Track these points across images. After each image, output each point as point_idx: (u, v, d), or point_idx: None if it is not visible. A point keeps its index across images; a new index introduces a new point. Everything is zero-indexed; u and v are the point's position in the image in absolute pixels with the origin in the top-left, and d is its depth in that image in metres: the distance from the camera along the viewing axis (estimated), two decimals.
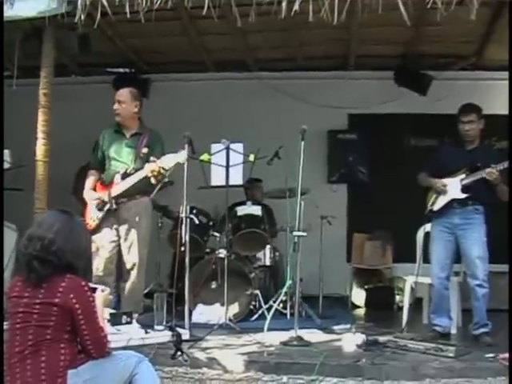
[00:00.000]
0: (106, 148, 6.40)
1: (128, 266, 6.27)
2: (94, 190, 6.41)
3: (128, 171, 6.20)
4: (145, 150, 6.22)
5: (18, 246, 3.75)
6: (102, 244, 6.22)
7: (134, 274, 6.27)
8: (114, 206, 6.17)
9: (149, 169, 5.93)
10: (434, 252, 6.27)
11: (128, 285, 6.28)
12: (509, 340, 5.19)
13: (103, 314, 3.94)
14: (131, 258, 6.26)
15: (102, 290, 4.00)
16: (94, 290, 3.78)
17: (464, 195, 6.03)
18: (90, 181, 6.46)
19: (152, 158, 5.97)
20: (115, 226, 6.26)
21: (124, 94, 6.37)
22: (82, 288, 3.59)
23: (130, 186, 6.12)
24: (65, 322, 3.52)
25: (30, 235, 3.67)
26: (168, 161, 5.87)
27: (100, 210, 6.23)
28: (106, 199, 6.19)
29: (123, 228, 6.25)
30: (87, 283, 3.68)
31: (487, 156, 6.04)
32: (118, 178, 6.22)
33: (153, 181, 6.01)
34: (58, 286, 3.52)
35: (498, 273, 7.12)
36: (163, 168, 5.88)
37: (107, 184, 6.31)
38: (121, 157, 6.31)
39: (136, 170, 6.16)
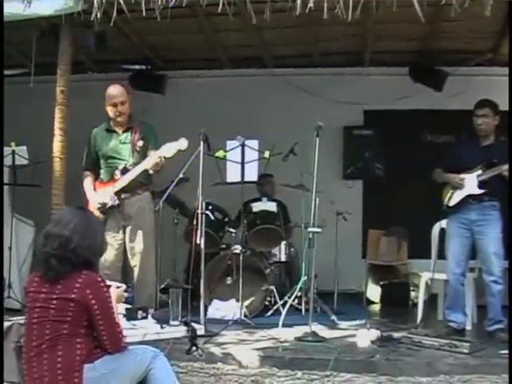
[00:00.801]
0: (99, 148, 6.31)
1: (135, 263, 6.24)
2: (94, 189, 6.34)
3: (127, 166, 6.14)
4: (140, 144, 6.17)
5: (36, 243, 3.78)
6: (109, 240, 6.07)
7: (140, 270, 6.23)
8: (117, 202, 6.15)
9: (151, 162, 5.92)
10: (450, 248, 6.23)
11: (137, 281, 6.26)
12: (509, 338, 5.19)
13: (118, 309, 3.99)
14: (137, 253, 6.22)
15: (118, 287, 4.04)
16: (108, 286, 3.82)
17: (480, 191, 6.01)
18: (88, 182, 6.36)
19: (151, 152, 5.97)
20: (122, 223, 6.23)
21: (122, 92, 6.25)
22: (99, 284, 3.63)
23: (132, 180, 6.08)
24: (81, 317, 3.56)
25: (48, 233, 3.70)
26: (169, 149, 5.85)
27: (103, 213, 6.16)
28: (107, 201, 6.15)
29: (128, 223, 6.22)
30: (103, 279, 3.72)
31: (504, 152, 5.99)
32: (117, 173, 6.16)
33: (152, 172, 6.03)
34: (74, 282, 3.56)
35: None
36: (165, 157, 5.85)
37: (106, 181, 6.27)
38: (118, 154, 6.23)
39: (135, 164, 6.12)
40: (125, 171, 6.13)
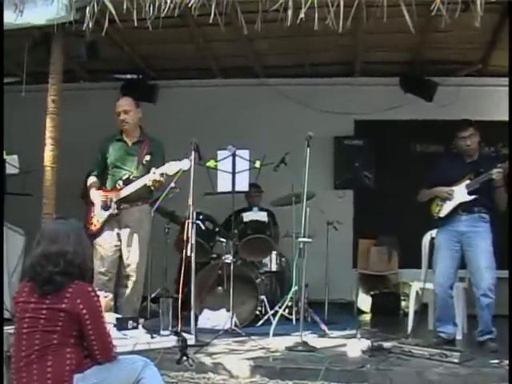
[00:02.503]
0: (109, 156, 6.46)
1: (127, 272, 6.33)
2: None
3: (130, 177, 6.28)
4: (147, 158, 6.29)
5: (30, 263, 3.70)
6: (105, 247, 6.29)
7: (133, 279, 6.33)
8: (116, 211, 6.26)
9: (152, 178, 6.01)
10: (439, 261, 6.24)
11: (127, 291, 6.33)
12: (509, 345, 5.20)
13: (107, 319, 3.98)
14: (132, 263, 6.32)
15: (105, 296, 4.04)
16: (98, 296, 3.79)
17: (471, 197, 6.03)
18: (93, 184, 6.51)
19: (152, 170, 6.03)
20: (117, 231, 6.33)
21: (129, 102, 6.48)
22: (89, 293, 3.61)
23: (132, 192, 6.20)
24: (71, 327, 3.54)
25: (46, 252, 3.63)
26: (171, 168, 5.94)
27: (105, 209, 6.30)
28: (112, 200, 6.28)
29: (125, 232, 6.31)
30: (94, 289, 3.71)
31: (489, 163, 6.06)
32: (120, 183, 6.30)
33: (152, 188, 6.15)
34: (65, 292, 3.53)
35: (501, 279, 7.13)
36: (166, 174, 5.96)
37: (110, 190, 6.40)
38: (124, 164, 6.40)
39: (138, 177, 6.22)
40: (127, 182, 6.25)
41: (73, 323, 3.53)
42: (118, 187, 6.31)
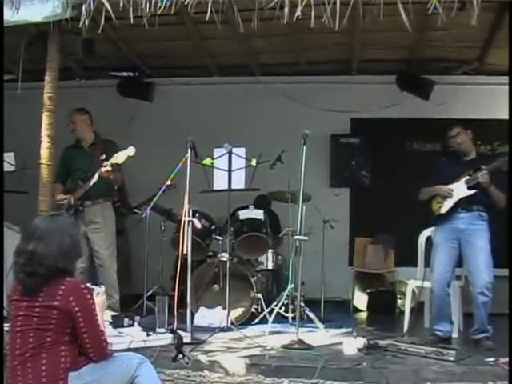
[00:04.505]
0: (69, 162, 7.00)
1: (98, 267, 6.82)
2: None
3: (88, 176, 6.62)
4: (102, 157, 6.57)
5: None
6: None
7: (103, 274, 6.78)
8: (80, 208, 6.74)
9: (103, 169, 6.37)
10: (437, 258, 6.25)
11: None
12: (509, 344, 5.20)
13: (103, 317, 3.97)
14: (100, 257, 6.80)
15: (98, 293, 4.02)
16: (92, 293, 3.74)
17: (472, 191, 6.04)
18: (57, 190, 6.84)
19: (104, 163, 6.39)
20: (82, 227, 6.61)
21: (74, 113, 7.02)
22: (82, 291, 3.60)
23: (91, 187, 6.57)
24: (65, 324, 3.53)
25: (17, 249, 3.68)
26: (119, 157, 6.31)
27: (67, 210, 6.63)
28: (72, 202, 6.73)
29: (89, 229, 6.77)
30: (87, 286, 3.70)
31: (487, 161, 6.09)
32: (80, 183, 6.74)
33: (112, 182, 6.76)
34: (57, 289, 3.53)
35: (501, 277, 7.15)
36: (117, 164, 6.36)
37: (72, 191, 6.84)
38: (82, 166, 6.84)
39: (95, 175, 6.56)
40: (86, 180, 6.64)
41: (66, 321, 3.52)
42: (79, 187, 6.73)
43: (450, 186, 6.16)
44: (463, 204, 6.11)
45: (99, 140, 7.04)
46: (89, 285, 4.02)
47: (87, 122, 7.03)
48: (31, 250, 3.59)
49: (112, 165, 6.36)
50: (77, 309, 3.53)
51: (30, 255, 3.59)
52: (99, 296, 4.01)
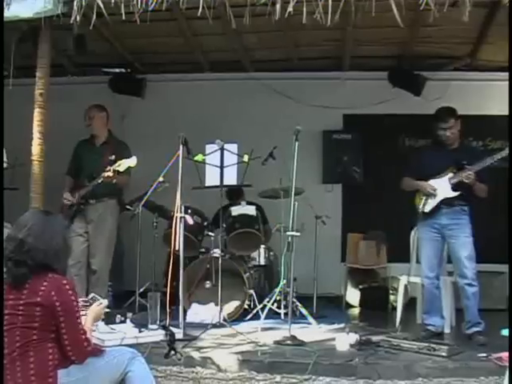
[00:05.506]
0: (80, 157, 7.19)
1: (92, 264, 6.94)
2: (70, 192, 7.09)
3: (94, 175, 6.74)
4: (112, 158, 6.79)
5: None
6: (75, 240, 6.72)
7: (96, 272, 6.91)
8: (82, 207, 6.91)
9: (105, 174, 6.53)
10: (423, 252, 6.34)
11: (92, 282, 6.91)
12: (509, 340, 5.20)
13: (92, 324, 3.96)
14: (96, 259, 6.93)
15: (101, 303, 4.02)
16: (74, 290, 3.72)
17: (455, 193, 6.07)
18: (66, 184, 7.18)
19: (108, 168, 6.53)
20: (84, 224, 6.94)
21: (93, 109, 7.15)
22: (64, 286, 3.60)
23: (94, 187, 6.73)
24: (49, 321, 3.53)
25: (8, 237, 3.71)
26: (122, 165, 6.48)
27: (69, 209, 6.89)
28: (75, 201, 6.91)
29: (90, 227, 6.97)
30: (69, 282, 3.68)
31: (470, 155, 6.15)
32: (85, 181, 6.88)
33: (117, 183, 6.78)
34: (39, 286, 3.54)
35: (492, 272, 7.17)
36: (118, 171, 6.51)
37: (79, 186, 6.98)
38: (91, 163, 6.99)
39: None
40: (91, 179, 6.76)
41: (50, 318, 3.53)
42: (84, 184, 6.87)
43: (434, 185, 6.17)
44: (446, 201, 6.14)
45: (112, 139, 7.20)
46: (92, 295, 4.05)
47: (104, 119, 7.18)
48: (21, 239, 3.62)
49: (114, 171, 6.49)
50: (57, 303, 3.53)
51: (18, 243, 3.61)
52: (99, 306, 4.02)
